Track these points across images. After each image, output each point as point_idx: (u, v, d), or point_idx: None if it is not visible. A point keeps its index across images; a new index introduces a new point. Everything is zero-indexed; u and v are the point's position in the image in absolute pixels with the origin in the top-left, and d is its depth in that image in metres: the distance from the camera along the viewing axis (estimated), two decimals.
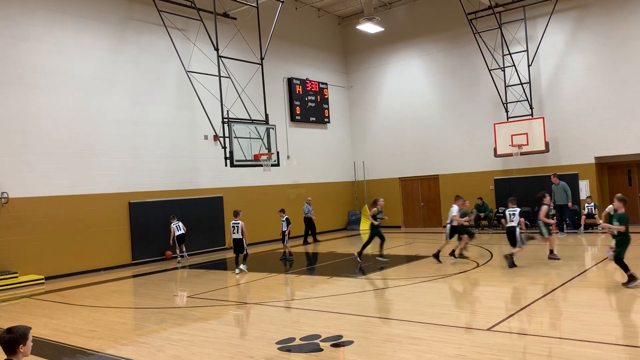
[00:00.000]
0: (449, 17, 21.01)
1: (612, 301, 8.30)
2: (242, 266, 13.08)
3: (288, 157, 20.77)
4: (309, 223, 19.38)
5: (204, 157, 18.01)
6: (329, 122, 23.19)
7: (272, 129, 16.26)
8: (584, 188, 18.46)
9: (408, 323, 7.43)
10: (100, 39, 15.65)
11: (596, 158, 18.46)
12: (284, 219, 15.19)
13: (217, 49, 15.36)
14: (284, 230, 15.11)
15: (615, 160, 18.42)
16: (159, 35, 16.69)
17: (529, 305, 8.08)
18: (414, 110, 22.52)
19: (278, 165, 16.59)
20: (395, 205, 23.21)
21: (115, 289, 12.37)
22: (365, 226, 23.19)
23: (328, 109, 23.13)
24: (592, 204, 17.46)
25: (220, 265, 15.45)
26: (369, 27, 20.01)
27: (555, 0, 18.35)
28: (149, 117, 16.65)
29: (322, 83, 22.93)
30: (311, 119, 22.29)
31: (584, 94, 18.51)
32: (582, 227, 17.33)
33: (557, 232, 16.79)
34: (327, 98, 23.12)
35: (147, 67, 16.74)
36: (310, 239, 19.46)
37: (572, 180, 18.48)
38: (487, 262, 12.57)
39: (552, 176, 17.35)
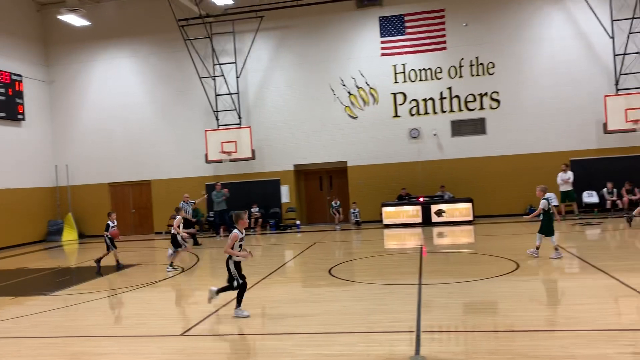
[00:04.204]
0: (160, 20, 20.63)
1: (299, 294, 9.27)
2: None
3: None
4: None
5: None
6: (24, 119, 20.40)
7: None
8: (285, 193, 20.39)
9: (98, 339, 6.94)
10: None
11: (295, 166, 20.56)
12: None
13: None
14: None
15: (310, 168, 20.83)
16: None
17: (224, 305, 8.38)
18: (125, 112, 21.50)
19: None
20: (102, 213, 21.70)
21: None
22: (68, 236, 21.11)
23: (23, 104, 20.34)
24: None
25: None
26: (73, 19, 18.39)
27: (260, 19, 19.85)
28: None
29: (16, 74, 20.05)
30: (0, 114, 19.26)
31: (286, 108, 20.44)
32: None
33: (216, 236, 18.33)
34: (22, 92, 20.31)
35: None
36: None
37: (274, 185, 20.23)
38: (194, 265, 12.75)
39: (216, 184, 18.70)
